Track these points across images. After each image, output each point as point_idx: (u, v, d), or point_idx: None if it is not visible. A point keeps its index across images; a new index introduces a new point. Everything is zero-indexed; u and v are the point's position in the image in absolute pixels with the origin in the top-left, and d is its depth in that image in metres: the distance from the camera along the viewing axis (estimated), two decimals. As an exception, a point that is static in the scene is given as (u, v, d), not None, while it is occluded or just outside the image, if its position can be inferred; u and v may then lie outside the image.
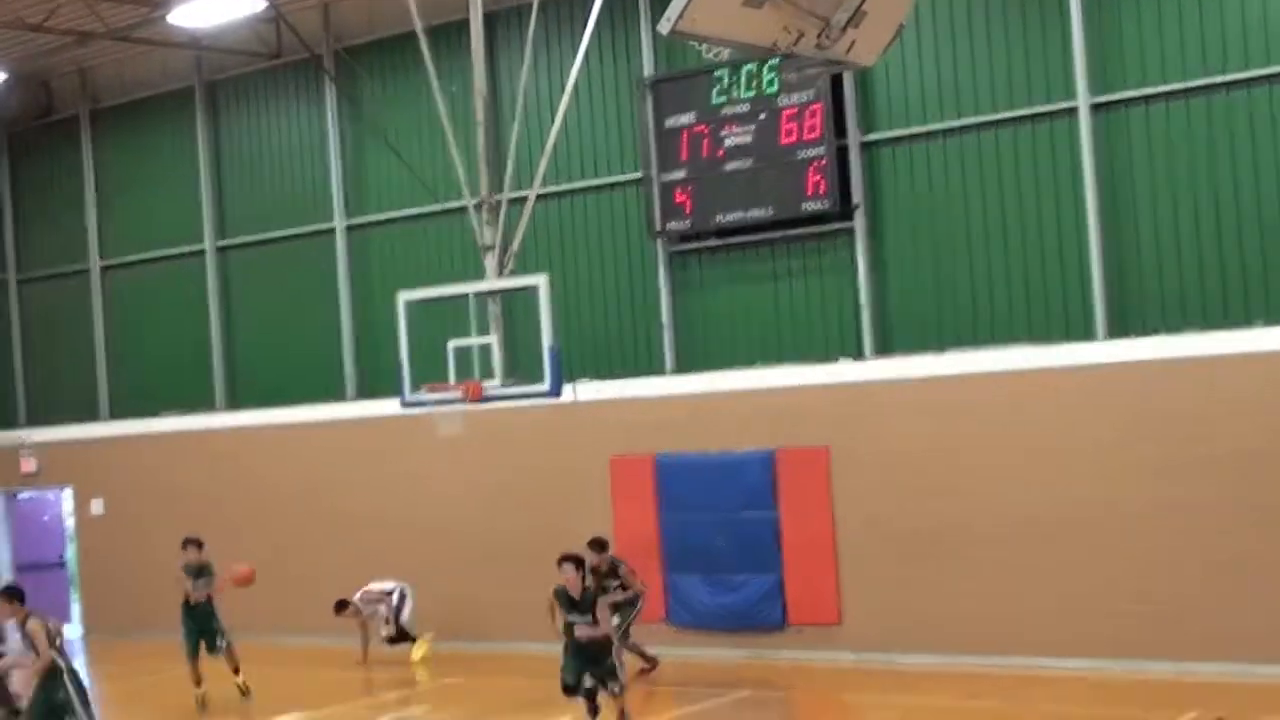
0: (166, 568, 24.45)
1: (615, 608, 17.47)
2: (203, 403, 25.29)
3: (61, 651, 14.17)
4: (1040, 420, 17.72)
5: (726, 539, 19.76)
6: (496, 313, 20.55)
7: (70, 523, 27.49)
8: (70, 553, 27.72)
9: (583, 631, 14.75)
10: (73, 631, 26.96)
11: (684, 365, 20.61)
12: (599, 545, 18.17)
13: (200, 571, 18.94)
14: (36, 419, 27.57)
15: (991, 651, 17.84)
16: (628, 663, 17.31)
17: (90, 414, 26.72)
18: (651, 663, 18.64)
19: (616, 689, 14.99)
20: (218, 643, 18.69)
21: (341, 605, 21.02)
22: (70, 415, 26.87)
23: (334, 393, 23.73)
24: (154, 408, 25.74)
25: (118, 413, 26.50)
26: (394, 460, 22.73)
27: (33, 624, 14.24)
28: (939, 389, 18.37)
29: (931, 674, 17.80)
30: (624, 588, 18.07)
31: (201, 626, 18.68)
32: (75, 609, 27.33)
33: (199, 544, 19.22)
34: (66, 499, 27.40)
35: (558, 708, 16.90)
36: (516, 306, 19.91)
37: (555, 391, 18.67)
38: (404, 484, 22.64)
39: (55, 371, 27.58)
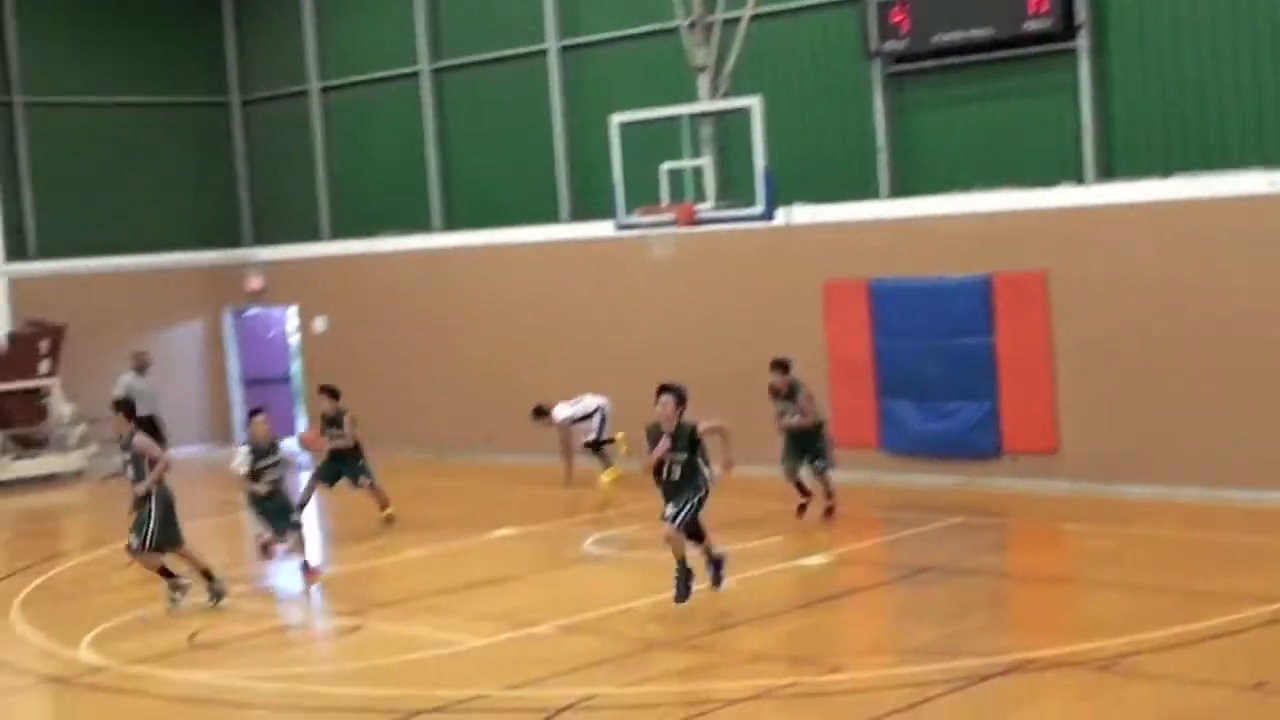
0: (385, 383, 25.12)
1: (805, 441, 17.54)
2: (420, 223, 25.63)
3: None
4: (1272, 247, 17.10)
5: (940, 365, 19.55)
6: (709, 135, 20.41)
7: (294, 339, 28.27)
8: (294, 368, 28.54)
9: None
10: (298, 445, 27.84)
11: (900, 189, 20.25)
12: (781, 366, 17.75)
13: (334, 420, 19.25)
14: (262, 239, 28.24)
15: (1214, 484, 17.47)
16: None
17: (312, 234, 27.28)
18: (807, 497, 17.78)
19: (822, 466, 16.78)
20: (360, 481, 19.14)
21: (539, 412, 21.21)
22: (293, 235, 27.46)
23: (548, 215, 23.86)
24: (373, 228, 26.16)
25: (339, 233, 27.02)
26: (606, 282, 22.85)
27: (139, 438, 14.80)
28: (1165, 214, 17.80)
29: (1151, 505, 17.50)
30: (802, 414, 17.61)
31: (345, 469, 19.16)
32: (299, 423, 28.18)
33: (334, 393, 19.53)
34: (291, 316, 28.14)
35: (769, 527, 17.07)
36: (730, 129, 19.72)
37: (768, 215, 18.54)
38: (616, 306, 22.77)
39: (278, 192, 28.16)
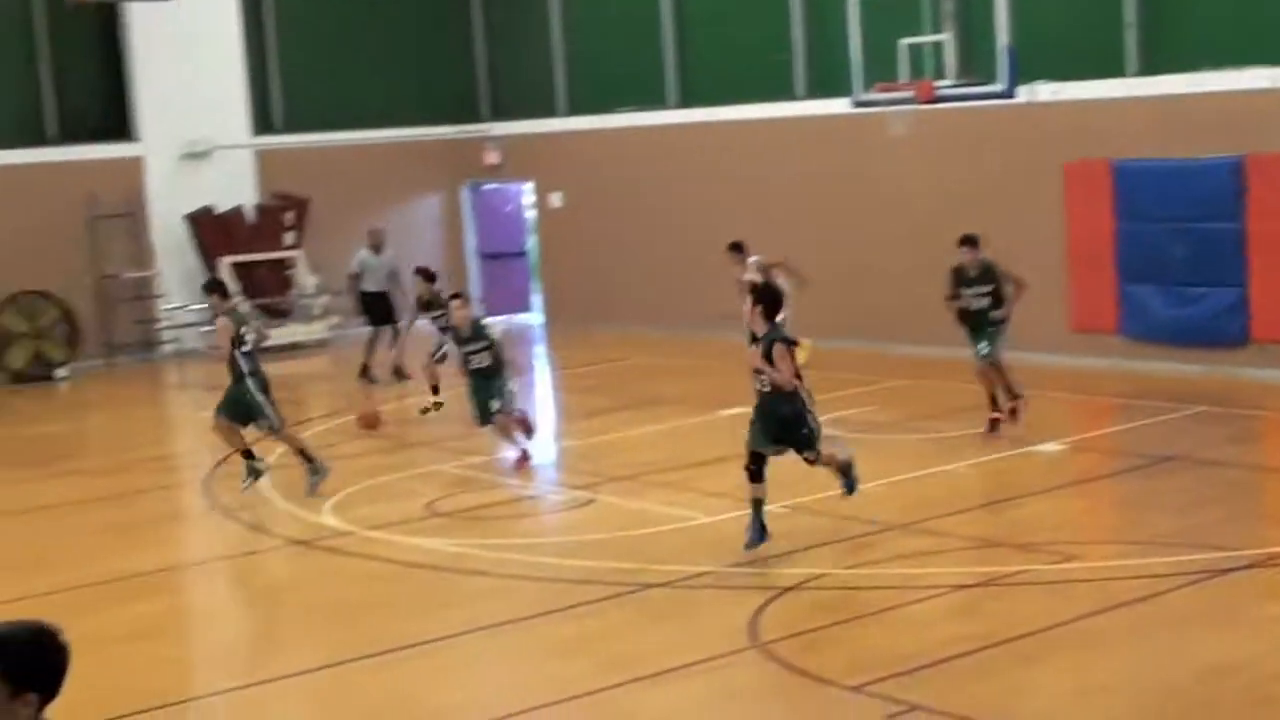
0: (619, 259, 25.26)
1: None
2: (656, 99, 25.58)
3: (247, 354, 14.97)
4: None
5: (1186, 249, 18.95)
6: (950, 10, 19.91)
7: (531, 215, 28.55)
8: (530, 244, 28.85)
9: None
10: (533, 319, 28.26)
11: (1148, 67, 19.55)
12: (971, 243, 15.99)
13: (430, 305, 19.12)
14: (499, 114, 28.48)
15: None
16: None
17: (548, 110, 27.42)
18: (1016, 396, 16.23)
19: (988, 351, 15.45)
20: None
21: (737, 248, 20.54)
22: (530, 111, 27.64)
23: (784, 91, 23.61)
24: (609, 104, 26.19)
25: (575, 109, 27.11)
26: (842, 159, 22.56)
27: (222, 320, 14.93)
28: None
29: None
30: (1003, 297, 15.93)
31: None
32: (535, 298, 28.56)
33: (431, 276, 19.40)
34: (527, 192, 28.41)
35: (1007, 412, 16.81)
36: (971, 3, 19.22)
37: (1010, 93, 18.11)
38: (851, 183, 22.49)
39: (516, 68, 28.31)
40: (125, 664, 10.64)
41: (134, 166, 25.78)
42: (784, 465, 12.30)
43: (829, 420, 17.13)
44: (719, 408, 18.22)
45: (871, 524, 12.74)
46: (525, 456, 15.78)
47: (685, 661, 9.88)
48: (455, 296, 16.41)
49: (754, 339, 12.22)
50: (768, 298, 12.28)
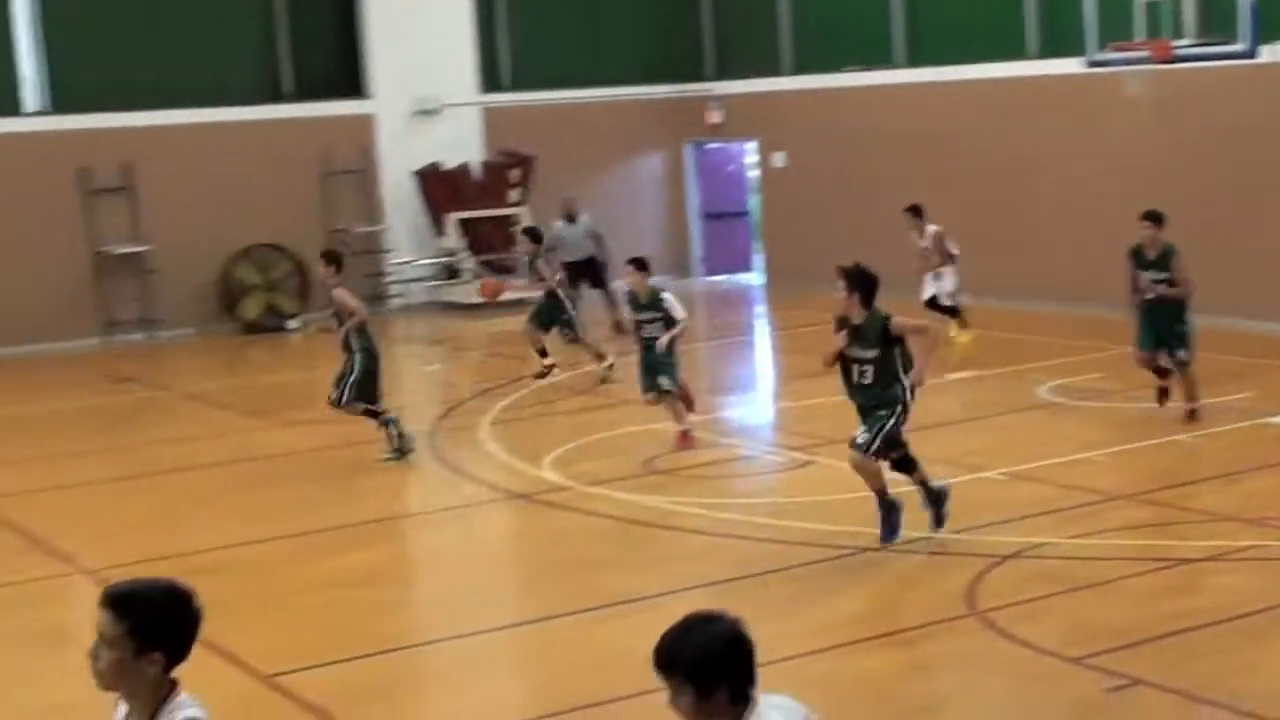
0: (843, 220, 25.05)
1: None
2: (883, 58, 25.26)
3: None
4: None
5: None
6: (1190, -34, 19.35)
7: (754, 174, 28.46)
8: (753, 203, 28.77)
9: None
10: (754, 279, 28.20)
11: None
12: (1154, 220, 14.64)
13: (534, 264, 19.13)
14: (723, 73, 28.40)
15: None
16: None
17: (773, 69, 27.26)
18: (1167, 379, 14.89)
19: (1185, 357, 14.35)
20: (563, 333, 18.88)
21: (914, 210, 20.01)
22: (755, 70, 27.51)
23: (1015, 51, 23.12)
24: (835, 63, 25.94)
25: (800, 68, 26.91)
26: (1074, 121, 22.02)
27: (339, 291, 14.98)
28: None
29: None
30: (1178, 283, 14.54)
31: (554, 316, 18.89)
32: (757, 258, 28.49)
33: (537, 236, 19.27)
34: (750, 151, 28.31)
35: (1243, 381, 16.31)
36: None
37: (1252, 52, 17.53)
38: (1082, 146, 21.95)
39: (741, 26, 28.19)
40: (349, 609, 10.92)
41: (366, 123, 26.31)
42: (1000, 432, 12.11)
43: (1053, 387, 16.84)
44: (941, 371, 17.98)
45: (1095, 494, 12.47)
46: (687, 435, 15.08)
47: (900, 627, 9.80)
48: (633, 263, 15.48)
49: (842, 325, 11.24)
50: (866, 283, 11.26)
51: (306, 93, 26.11)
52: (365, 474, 15.00)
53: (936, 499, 11.43)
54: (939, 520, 11.43)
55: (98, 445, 17.23)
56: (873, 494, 11.32)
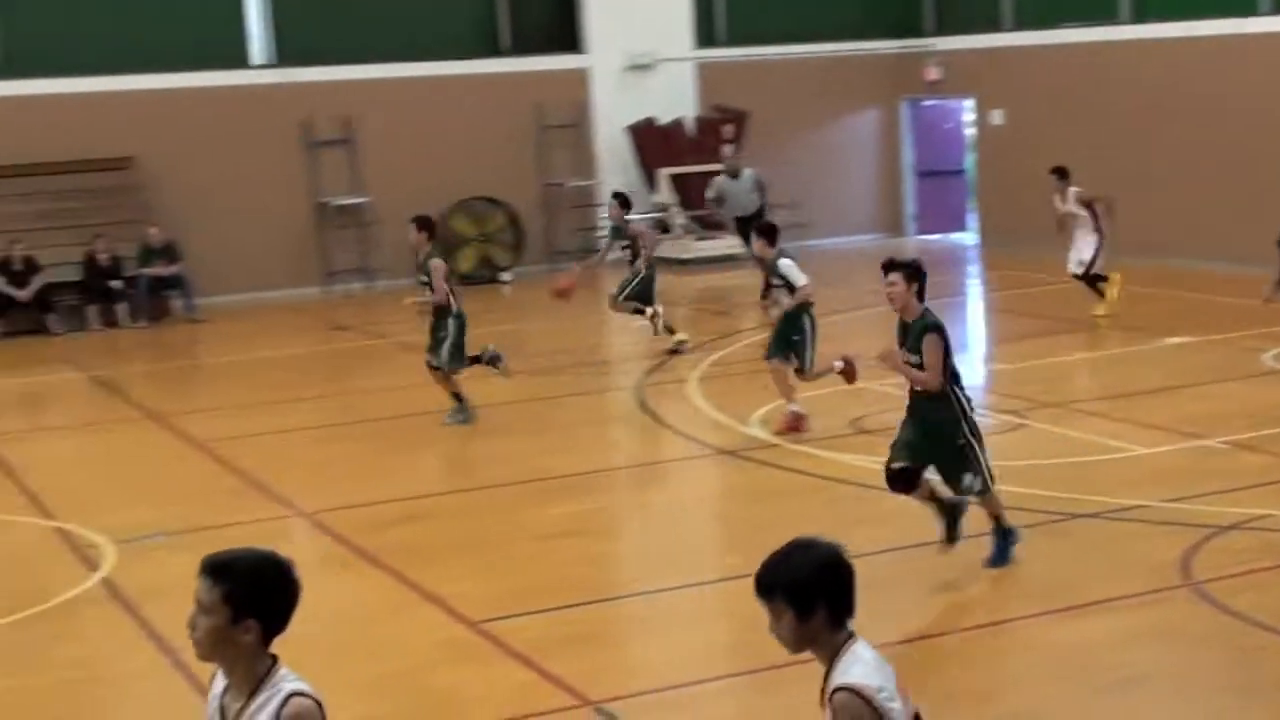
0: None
1: None
2: (1107, 13, 24.64)
3: (452, 292, 14.72)
4: None
5: None
6: None
7: (971, 132, 28.00)
8: (969, 162, 28.33)
9: None
10: (968, 239, 27.80)
11: None
12: None
13: (619, 231, 18.62)
14: (943, 28, 27.96)
15: None
16: None
17: (993, 24, 26.76)
18: None
19: None
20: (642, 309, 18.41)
21: (1060, 173, 19.20)
22: (974, 25, 27.03)
23: (1245, 6, 22.37)
24: (1057, 18, 25.37)
25: (1021, 23, 26.37)
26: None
27: (434, 260, 14.69)
28: None
29: None
30: None
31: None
32: (971, 217, 28.07)
33: (626, 203, 18.74)
34: (968, 109, 27.86)
35: None
36: None
37: None
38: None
39: (961, -19, 27.74)
40: (557, 559, 11.04)
41: (581, 78, 26.45)
42: (1221, 400, 11.70)
43: (1279, 354, 16.30)
44: (1161, 335, 17.57)
45: (1321, 465, 12.08)
46: (797, 418, 14.14)
47: (1110, 595, 9.60)
48: (758, 229, 14.77)
49: (905, 327, 9.93)
50: (924, 277, 9.87)
51: (523, 47, 26.33)
52: (574, 426, 15.14)
53: (952, 512, 10.17)
54: (951, 539, 10.16)
55: (314, 391, 17.67)
56: (990, 519, 10.18)
